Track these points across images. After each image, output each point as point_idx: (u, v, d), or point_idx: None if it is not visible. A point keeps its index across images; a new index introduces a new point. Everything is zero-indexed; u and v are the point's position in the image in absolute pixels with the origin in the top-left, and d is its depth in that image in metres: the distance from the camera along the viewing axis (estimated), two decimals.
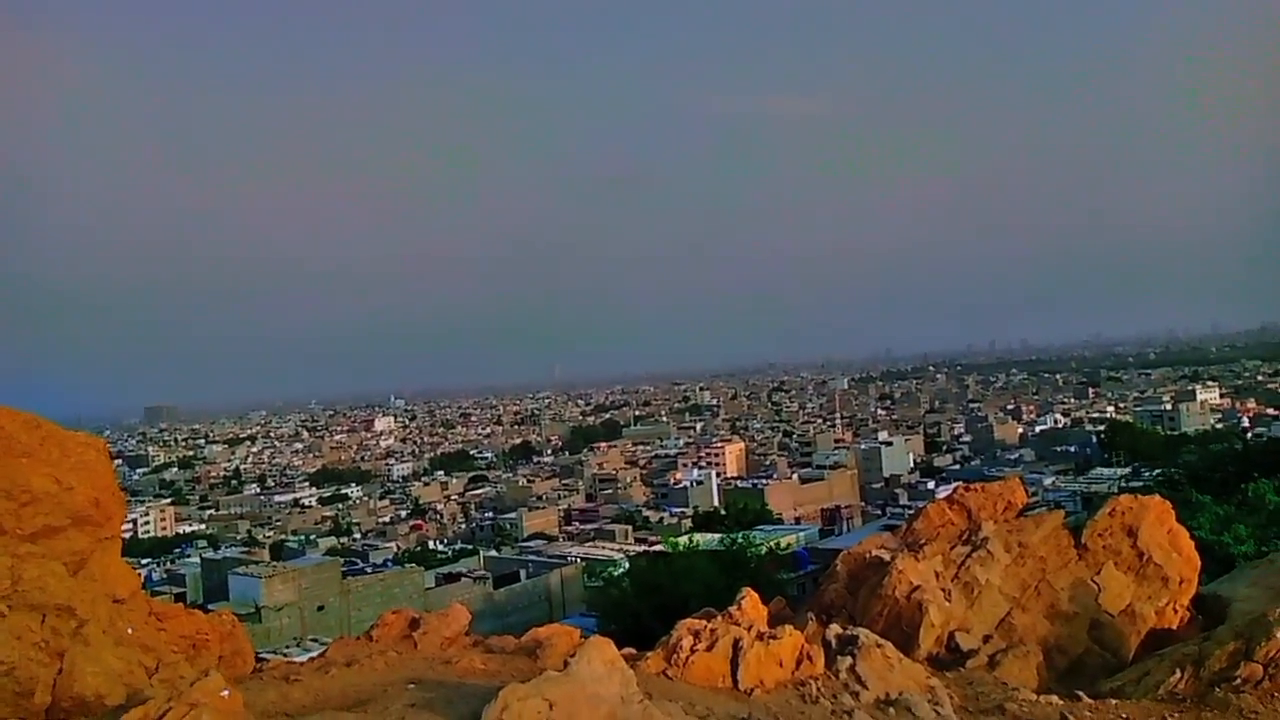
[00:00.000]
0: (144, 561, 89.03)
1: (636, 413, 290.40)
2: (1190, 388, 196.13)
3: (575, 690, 7.20)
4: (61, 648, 9.39)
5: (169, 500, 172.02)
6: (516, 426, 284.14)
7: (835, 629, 11.32)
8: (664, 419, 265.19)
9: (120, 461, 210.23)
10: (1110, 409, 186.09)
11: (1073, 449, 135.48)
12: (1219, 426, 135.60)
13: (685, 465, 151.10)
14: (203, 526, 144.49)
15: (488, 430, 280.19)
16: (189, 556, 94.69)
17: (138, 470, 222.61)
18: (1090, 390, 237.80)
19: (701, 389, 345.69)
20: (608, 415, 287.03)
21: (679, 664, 9.97)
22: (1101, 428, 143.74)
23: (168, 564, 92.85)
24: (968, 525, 15.13)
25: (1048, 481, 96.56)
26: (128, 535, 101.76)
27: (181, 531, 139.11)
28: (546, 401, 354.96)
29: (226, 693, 7.53)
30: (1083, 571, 14.03)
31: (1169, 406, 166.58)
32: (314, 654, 14.54)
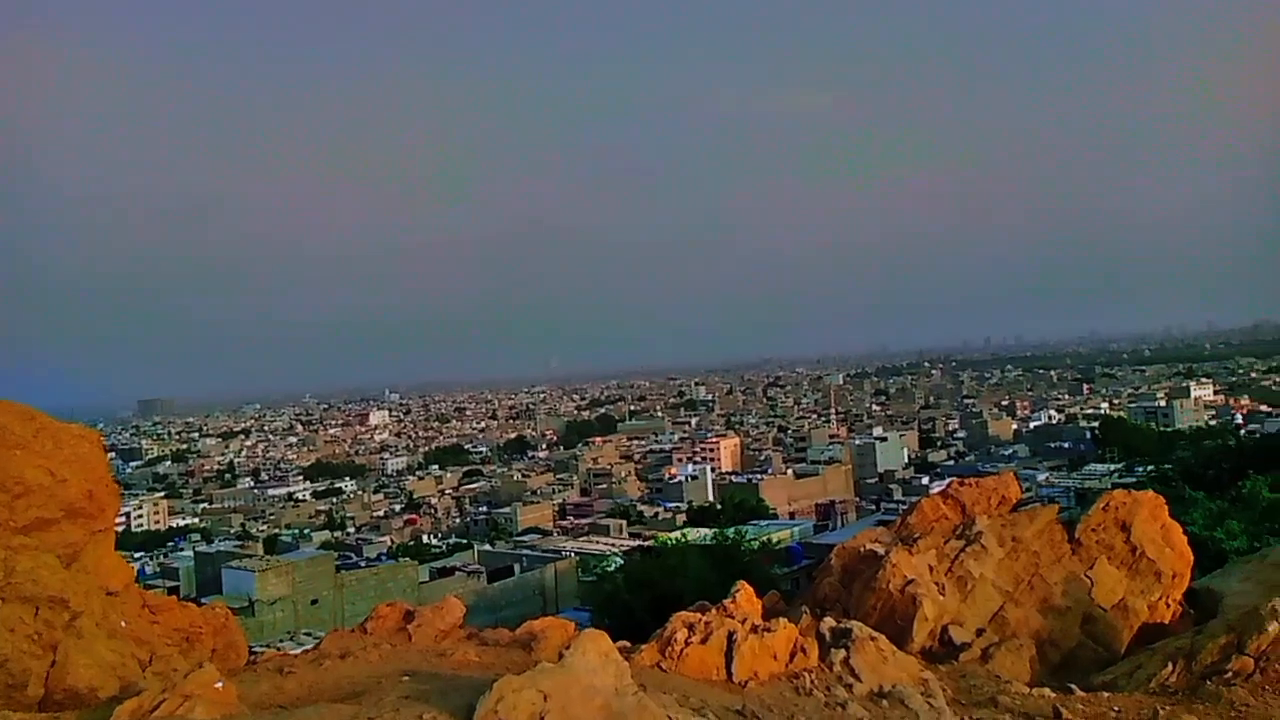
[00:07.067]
0: (137, 555, 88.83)
1: (632, 408, 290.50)
2: (1184, 385, 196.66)
3: (570, 682, 7.20)
4: (54, 640, 9.37)
5: (162, 494, 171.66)
6: (511, 421, 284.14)
7: (829, 622, 11.33)
8: (659, 414, 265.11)
9: (114, 455, 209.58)
10: (1104, 405, 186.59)
11: (1067, 445, 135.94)
12: (1213, 423, 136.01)
13: (680, 460, 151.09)
14: (196, 520, 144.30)
15: (482, 424, 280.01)
16: (182, 550, 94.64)
17: (131, 463, 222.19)
18: (1085, 387, 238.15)
19: (697, 384, 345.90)
20: (603, 410, 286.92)
21: (673, 656, 9.99)
22: (1096, 424, 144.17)
23: (161, 557, 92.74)
24: (962, 520, 15.14)
25: (1041, 477, 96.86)
26: (121, 528, 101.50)
27: (175, 525, 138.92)
28: (542, 396, 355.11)
29: (220, 684, 7.54)
30: (1076, 566, 14.04)
31: (1163, 403, 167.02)
32: (308, 647, 14.54)
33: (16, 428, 10.33)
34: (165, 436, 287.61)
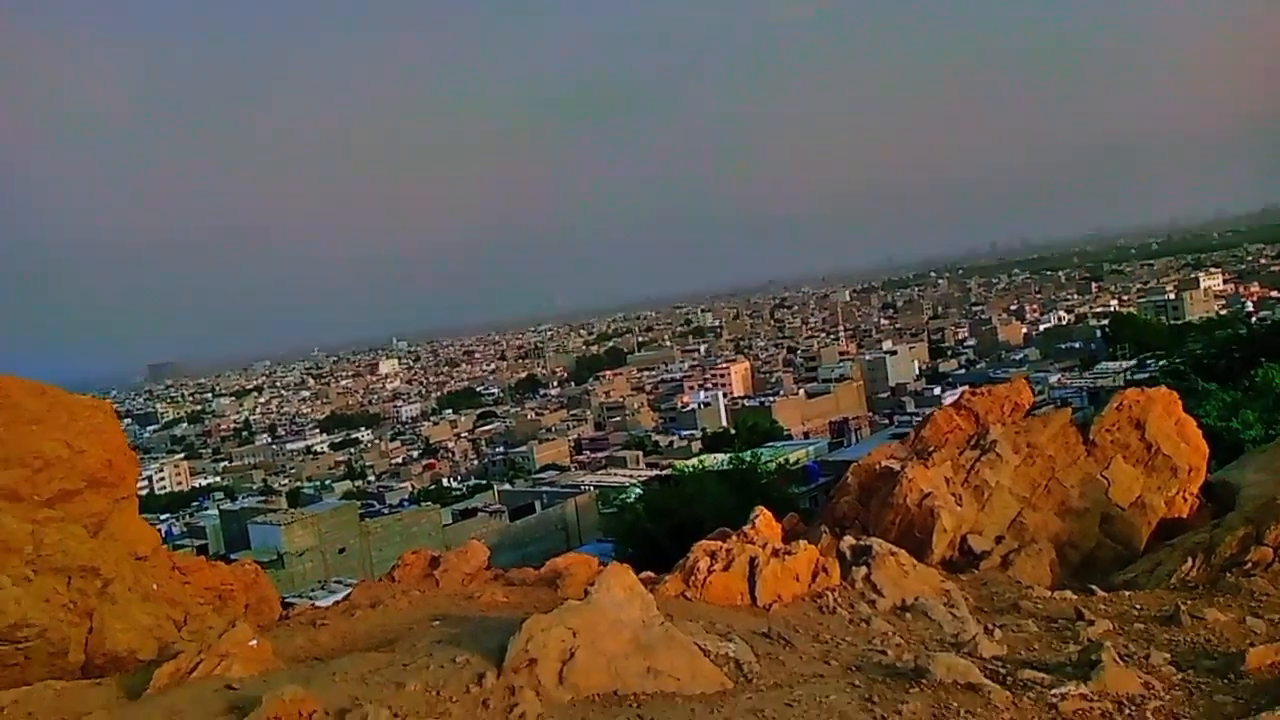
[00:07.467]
0: (163, 517, 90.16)
1: (640, 339, 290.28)
2: (1193, 275, 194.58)
3: (597, 617, 7.31)
4: (89, 607, 9.53)
5: (182, 455, 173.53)
6: (521, 360, 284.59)
7: (849, 540, 11.43)
8: (667, 343, 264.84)
9: (129, 420, 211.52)
10: (1114, 302, 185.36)
11: (1078, 345, 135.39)
12: (1223, 313, 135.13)
13: (691, 388, 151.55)
14: (218, 479, 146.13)
15: (492, 366, 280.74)
16: (207, 509, 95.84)
17: (148, 428, 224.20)
18: (1093, 285, 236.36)
19: (703, 310, 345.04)
20: (611, 343, 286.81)
21: (697, 585, 10.10)
22: (1106, 322, 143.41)
23: (187, 517, 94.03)
24: (975, 429, 15.15)
25: (1054, 380, 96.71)
26: (144, 492, 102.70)
27: (198, 485, 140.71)
28: (549, 333, 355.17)
29: (255, 642, 7.66)
30: (1091, 467, 14.08)
31: (1172, 296, 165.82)
32: (339, 596, 14.78)
33: (29, 403, 10.36)
34: (179, 399, 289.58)
